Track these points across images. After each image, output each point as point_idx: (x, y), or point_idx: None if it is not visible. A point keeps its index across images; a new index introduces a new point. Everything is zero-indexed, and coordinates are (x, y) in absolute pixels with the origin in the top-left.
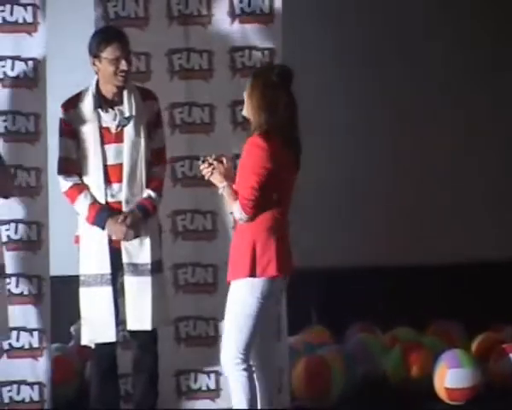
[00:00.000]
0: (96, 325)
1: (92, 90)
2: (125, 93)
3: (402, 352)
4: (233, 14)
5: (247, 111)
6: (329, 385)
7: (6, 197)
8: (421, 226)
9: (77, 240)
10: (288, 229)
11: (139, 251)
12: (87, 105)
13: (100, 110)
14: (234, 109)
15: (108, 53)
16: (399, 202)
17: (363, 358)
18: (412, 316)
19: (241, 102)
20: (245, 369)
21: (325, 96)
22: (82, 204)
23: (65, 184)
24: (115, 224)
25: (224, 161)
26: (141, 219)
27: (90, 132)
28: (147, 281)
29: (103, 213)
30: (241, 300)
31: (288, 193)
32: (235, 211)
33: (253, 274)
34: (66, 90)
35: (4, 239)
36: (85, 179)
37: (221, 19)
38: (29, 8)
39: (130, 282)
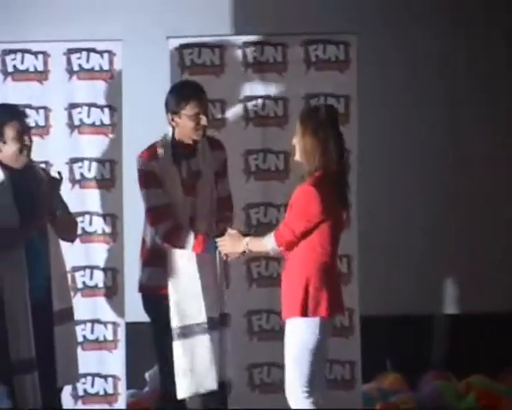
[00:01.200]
0: (197, 375)
1: (167, 142)
2: (200, 145)
3: (476, 399)
4: (308, 61)
5: (299, 156)
6: None
7: (72, 241)
8: (494, 273)
9: (141, 289)
10: (337, 269)
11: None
12: (166, 157)
13: (177, 164)
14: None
15: (188, 110)
16: (469, 250)
17: (437, 405)
18: (487, 364)
19: None
20: (312, 402)
21: (400, 142)
22: (186, 240)
23: (162, 231)
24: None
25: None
26: None
27: (172, 184)
28: (216, 336)
29: (211, 239)
30: (299, 337)
31: (337, 233)
32: (268, 244)
33: (305, 313)
34: (140, 138)
35: (80, 285)
36: None
37: (296, 66)
38: (105, 55)
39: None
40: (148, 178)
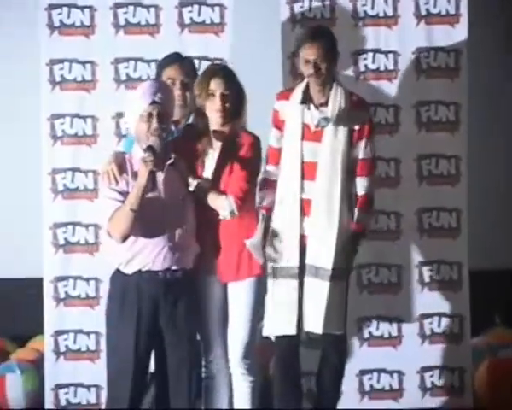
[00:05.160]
0: (278, 317)
1: (302, 85)
2: (332, 95)
3: None
4: (418, 15)
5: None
6: None
7: None
8: None
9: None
10: None
11: (322, 254)
12: (295, 99)
13: (304, 106)
14: (418, 109)
15: (303, 53)
16: None
17: None
18: None
19: (425, 104)
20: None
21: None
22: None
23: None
24: None
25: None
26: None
27: (292, 126)
28: (325, 286)
29: None
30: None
31: None
32: (224, 206)
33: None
34: (251, 93)
35: None
36: (282, 172)
37: (406, 20)
38: (216, 8)
39: (309, 283)
40: (272, 118)
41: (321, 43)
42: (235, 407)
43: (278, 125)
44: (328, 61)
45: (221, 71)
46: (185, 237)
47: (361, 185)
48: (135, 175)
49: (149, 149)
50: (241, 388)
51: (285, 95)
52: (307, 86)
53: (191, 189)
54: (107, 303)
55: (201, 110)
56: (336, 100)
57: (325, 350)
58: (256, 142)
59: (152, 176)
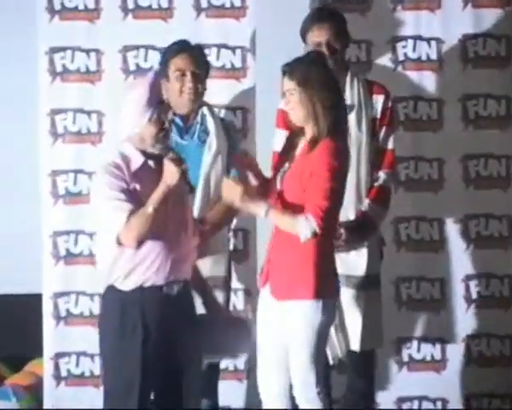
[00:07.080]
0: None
1: None
2: (348, 81)
3: None
4: (465, 3)
5: (301, 119)
6: None
7: None
8: None
9: None
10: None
11: (354, 262)
12: None
13: None
14: (464, 103)
15: (312, 36)
16: None
17: None
18: None
19: (473, 97)
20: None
21: None
22: None
23: None
24: None
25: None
26: (357, 235)
27: None
28: (359, 296)
29: None
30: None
31: None
32: (304, 227)
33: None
34: (274, 83)
35: None
36: None
37: (451, 2)
38: None
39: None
40: (277, 119)
41: (332, 23)
42: None
43: (287, 124)
44: (340, 41)
45: (290, 68)
46: (187, 245)
47: (377, 177)
48: (134, 176)
49: (168, 149)
50: None
51: None
52: None
53: (262, 215)
54: (102, 326)
55: None
56: (354, 86)
57: (351, 376)
58: (340, 149)
59: (184, 176)
